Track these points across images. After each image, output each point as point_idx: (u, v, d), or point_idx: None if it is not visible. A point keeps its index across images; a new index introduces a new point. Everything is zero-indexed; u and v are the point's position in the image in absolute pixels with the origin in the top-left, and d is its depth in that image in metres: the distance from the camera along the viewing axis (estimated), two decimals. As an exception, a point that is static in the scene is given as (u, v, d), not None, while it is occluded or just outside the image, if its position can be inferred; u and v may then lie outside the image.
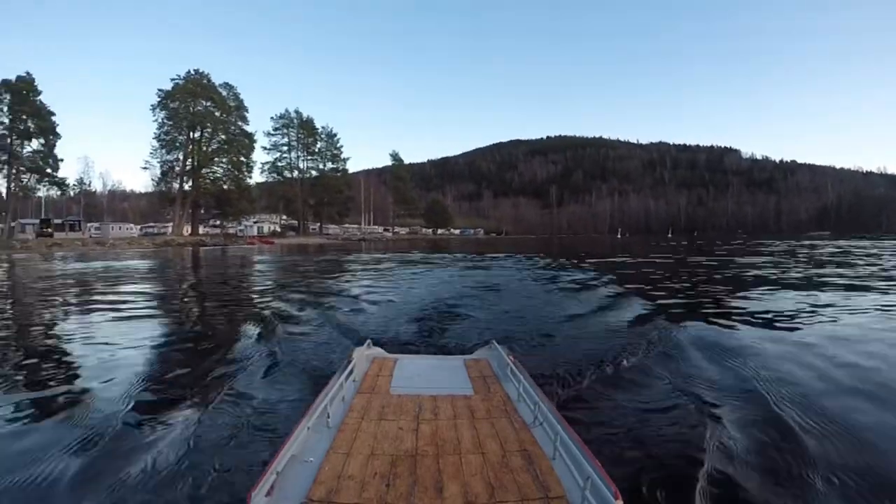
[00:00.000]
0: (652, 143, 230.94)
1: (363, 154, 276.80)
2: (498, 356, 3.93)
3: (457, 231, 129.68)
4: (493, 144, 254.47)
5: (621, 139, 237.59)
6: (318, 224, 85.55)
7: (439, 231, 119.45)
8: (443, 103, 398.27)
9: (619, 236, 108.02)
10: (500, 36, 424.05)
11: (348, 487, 1.93)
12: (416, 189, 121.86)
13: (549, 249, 40.71)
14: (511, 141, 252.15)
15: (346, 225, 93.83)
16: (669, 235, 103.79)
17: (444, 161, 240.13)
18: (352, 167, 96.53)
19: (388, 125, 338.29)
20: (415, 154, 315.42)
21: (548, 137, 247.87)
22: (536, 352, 5.68)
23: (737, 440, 3.19)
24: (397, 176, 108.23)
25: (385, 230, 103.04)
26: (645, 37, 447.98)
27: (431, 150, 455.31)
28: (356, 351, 3.88)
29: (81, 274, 18.81)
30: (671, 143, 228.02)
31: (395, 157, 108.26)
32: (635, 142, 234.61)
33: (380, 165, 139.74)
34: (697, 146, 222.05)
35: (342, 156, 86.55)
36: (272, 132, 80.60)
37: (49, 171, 54.26)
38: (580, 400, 4.03)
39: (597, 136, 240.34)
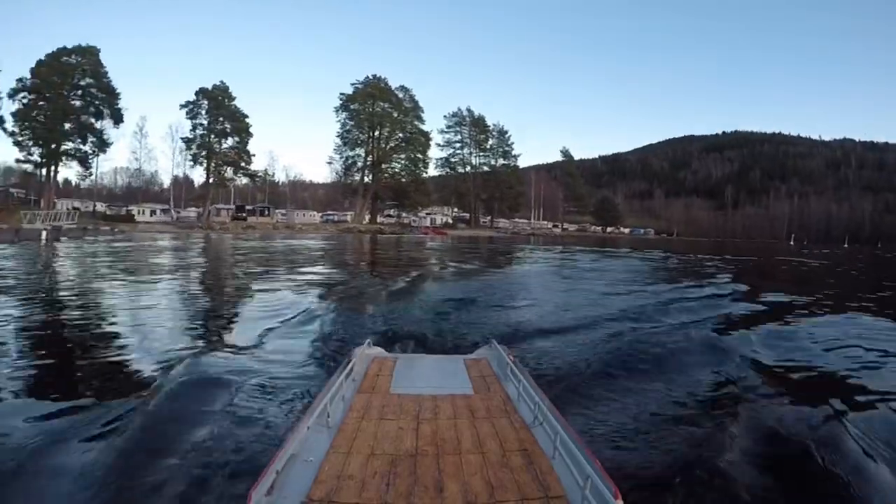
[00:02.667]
0: (836, 139, 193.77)
1: (534, 149, 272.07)
2: (498, 356, 3.82)
3: (626, 230, 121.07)
4: (666, 140, 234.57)
5: (802, 135, 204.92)
6: (489, 217, 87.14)
7: (609, 229, 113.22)
8: (614, 97, 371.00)
9: (791, 243, 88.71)
10: (670, 30, 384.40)
11: (348, 487, 1.90)
12: (585, 185, 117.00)
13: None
14: (685, 137, 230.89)
15: (516, 219, 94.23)
16: (845, 245, 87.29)
17: (615, 157, 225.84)
18: (523, 163, 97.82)
19: (559, 121, 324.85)
20: (585, 150, 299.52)
21: (723, 133, 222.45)
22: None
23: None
24: (567, 172, 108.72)
25: (554, 226, 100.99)
26: (830, 22, 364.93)
27: (602, 146, 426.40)
28: (356, 350, 3.71)
29: (311, 247, 25.43)
30: (857, 140, 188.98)
31: (565, 153, 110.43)
32: (817, 138, 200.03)
33: (550, 161, 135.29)
34: (886, 144, 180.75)
35: (513, 152, 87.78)
36: (445, 129, 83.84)
37: (243, 164, 62.79)
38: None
39: (776, 131, 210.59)
